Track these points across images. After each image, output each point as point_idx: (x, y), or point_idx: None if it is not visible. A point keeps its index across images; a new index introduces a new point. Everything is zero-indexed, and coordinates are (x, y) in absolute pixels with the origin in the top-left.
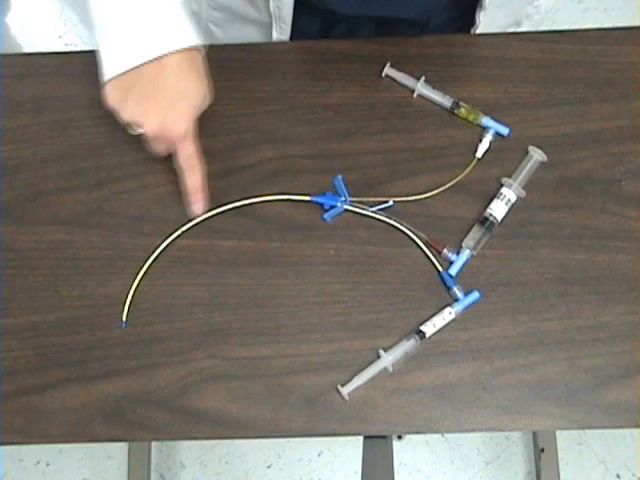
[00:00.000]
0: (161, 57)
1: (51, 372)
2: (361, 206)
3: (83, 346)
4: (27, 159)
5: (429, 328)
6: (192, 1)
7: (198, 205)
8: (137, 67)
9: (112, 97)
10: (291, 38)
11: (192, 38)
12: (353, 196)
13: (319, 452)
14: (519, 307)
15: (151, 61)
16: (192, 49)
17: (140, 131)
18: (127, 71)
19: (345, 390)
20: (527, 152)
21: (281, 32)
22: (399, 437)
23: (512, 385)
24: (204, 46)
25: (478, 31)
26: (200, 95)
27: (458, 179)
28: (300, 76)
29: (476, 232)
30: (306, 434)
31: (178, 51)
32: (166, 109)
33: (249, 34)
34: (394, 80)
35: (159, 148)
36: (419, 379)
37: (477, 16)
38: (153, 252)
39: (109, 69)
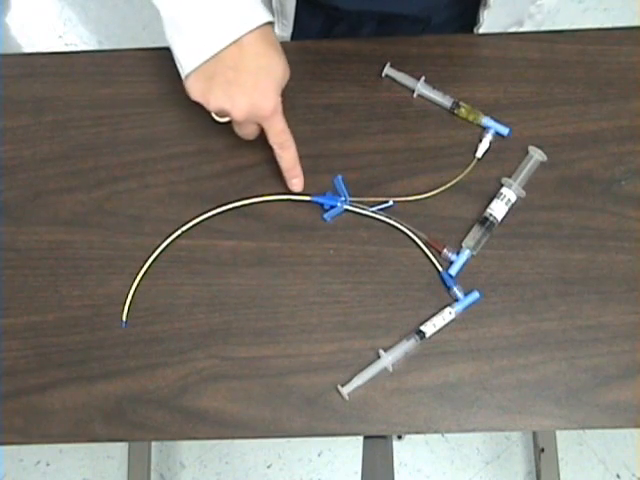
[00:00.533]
0: (238, 39)
1: (51, 372)
2: (361, 206)
3: (83, 346)
4: (27, 159)
5: (429, 328)
6: None
7: (296, 180)
8: (216, 54)
9: (196, 90)
10: (293, 35)
11: (264, 15)
12: (353, 196)
13: (319, 452)
14: (519, 307)
15: (229, 45)
16: (265, 25)
17: (226, 119)
18: (207, 60)
19: (345, 390)
20: (527, 152)
21: (283, 29)
22: (399, 437)
23: (512, 385)
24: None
25: (481, 30)
26: (282, 68)
27: (458, 179)
28: (300, 76)
29: (476, 232)
30: (306, 434)
31: (253, 30)
32: (252, 89)
33: None
34: (394, 80)
35: (249, 130)
36: (419, 379)
37: (481, 14)
38: (153, 252)
39: (188, 62)
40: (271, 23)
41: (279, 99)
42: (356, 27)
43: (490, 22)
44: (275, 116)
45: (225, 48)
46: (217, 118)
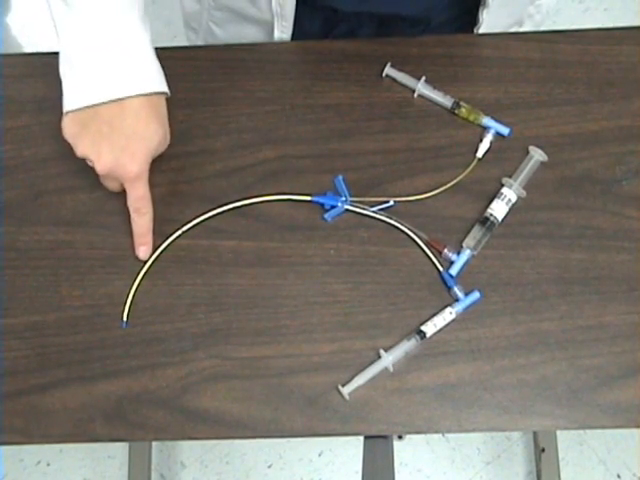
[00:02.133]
0: (122, 99)
1: (51, 372)
2: (361, 206)
3: (83, 346)
4: (28, 159)
5: (430, 328)
6: (193, 1)
7: (144, 248)
8: (96, 105)
9: (68, 130)
10: (292, 37)
11: (156, 84)
12: (353, 196)
13: (319, 452)
14: (519, 307)
15: (111, 101)
16: (156, 94)
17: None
18: (86, 107)
19: (346, 390)
20: (527, 152)
21: (283, 31)
22: (399, 437)
23: (512, 385)
24: (165, 93)
25: (481, 30)
26: (157, 139)
27: (459, 179)
28: (300, 76)
29: (477, 232)
30: (306, 434)
31: (140, 95)
32: (120, 150)
33: (250, 33)
34: (394, 80)
35: (111, 185)
36: (419, 379)
37: (480, 14)
38: (153, 252)
39: (69, 102)
40: (164, 93)
41: (146, 166)
42: (355, 29)
43: (490, 22)
44: (137, 181)
45: (106, 102)
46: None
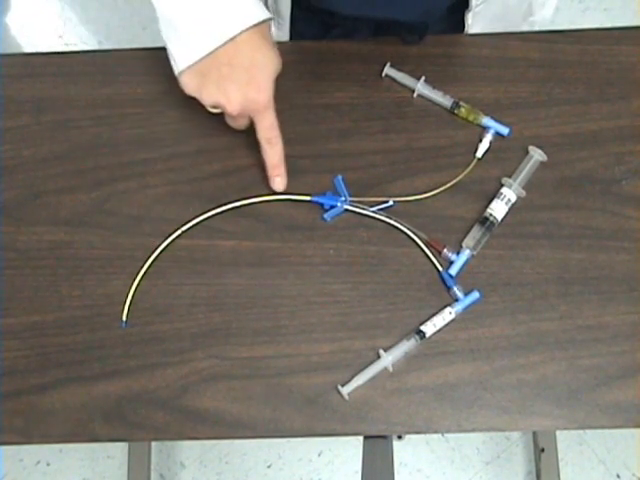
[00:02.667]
0: (233, 37)
1: (51, 372)
2: (361, 206)
3: (83, 346)
4: (27, 159)
5: (429, 328)
6: None
7: (279, 179)
8: (211, 52)
9: (190, 85)
10: (289, 39)
11: (259, 13)
12: (353, 196)
13: (319, 452)
14: (519, 307)
15: (225, 43)
16: (260, 23)
17: (219, 110)
18: (202, 58)
19: (345, 390)
20: (527, 152)
21: (279, 27)
22: (399, 437)
23: (512, 385)
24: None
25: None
26: (275, 63)
27: (458, 179)
28: (300, 76)
29: (476, 232)
30: (306, 434)
31: (249, 28)
32: (245, 85)
33: None
34: (394, 80)
35: (242, 122)
36: (419, 379)
37: (465, 18)
38: (153, 252)
39: (182, 59)
40: (267, 20)
41: (272, 93)
42: (351, 33)
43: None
44: (267, 110)
45: (220, 46)
46: (211, 109)
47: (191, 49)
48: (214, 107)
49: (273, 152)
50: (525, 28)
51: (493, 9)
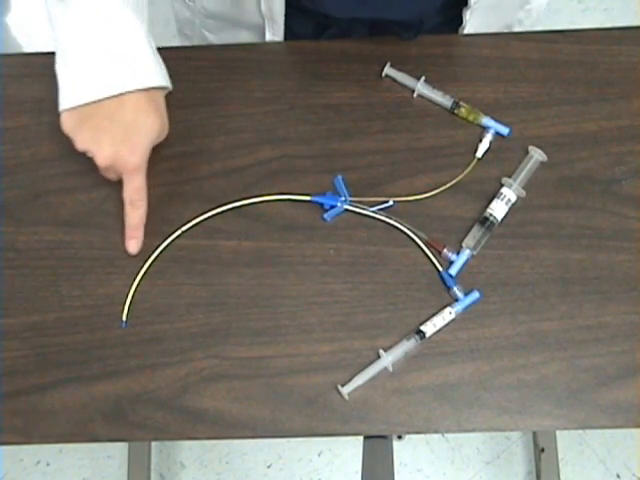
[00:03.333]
0: (121, 94)
1: (51, 372)
2: (361, 206)
3: (83, 346)
4: (27, 159)
5: (429, 328)
6: (185, 9)
7: (134, 242)
8: (95, 101)
9: (67, 125)
10: (284, 41)
11: (154, 78)
12: (353, 196)
13: (319, 452)
14: (519, 307)
15: (110, 97)
16: (153, 88)
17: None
18: (85, 103)
19: (345, 390)
20: (527, 152)
21: (274, 33)
22: (399, 437)
23: (512, 385)
24: (164, 87)
25: (467, 32)
26: (156, 130)
27: (458, 179)
28: (300, 76)
29: (476, 232)
30: (306, 434)
31: (138, 90)
32: (120, 142)
33: (243, 39)
34: (394, 80)
35: (110, 176)
36: (419, 379)
37: (464, 15)
38: (153, 252)
39: (66, 99)
40: (162, 88)
41: (146, 158)
42: (346, 33)
43: (477, 26)
44: (136, 173)
45: (105, 98)
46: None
47: (77, 92)
48: (86, 153)
49: (135, 214)
50: (522, 15)
51: (477, 4)
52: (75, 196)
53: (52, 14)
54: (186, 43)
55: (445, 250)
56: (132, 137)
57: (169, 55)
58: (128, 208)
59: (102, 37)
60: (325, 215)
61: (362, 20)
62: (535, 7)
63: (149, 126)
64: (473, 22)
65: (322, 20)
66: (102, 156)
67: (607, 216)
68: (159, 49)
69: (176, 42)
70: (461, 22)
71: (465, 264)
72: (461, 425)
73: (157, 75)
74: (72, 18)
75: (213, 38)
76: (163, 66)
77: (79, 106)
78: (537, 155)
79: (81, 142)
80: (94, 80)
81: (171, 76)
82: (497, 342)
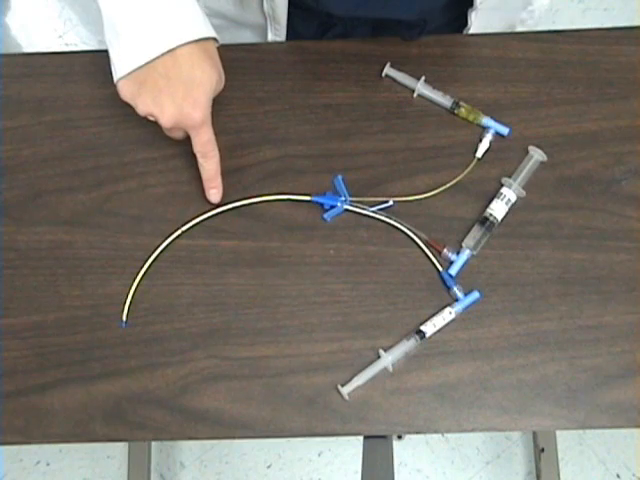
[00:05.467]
0: (172, 50)
1: (51, 372)
2: (361, 206)
3: (83, 346)
4: (27, 159)
5: (429, 328)
6: None
7: (214, 192)
8: (149, 62)
9: (126, 92)
10: (287, 40)
11: (203, 30)
12: (353, 196)
13: (319, 452)
14: (519, 307)
15: (163, 54)
16: (204, 39)
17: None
18: (139, 67)
19: (345, 390)
20: (527, 152)
21: (276, 34)
22: (399, 437)
23: (512, 385)
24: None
25: (471, 32)
26: (214, 81)
27: (458, 179)
28: (300, 76)
29: (476, 232)
30: (306, 434)
31: (189, 42)
32: (181, 99)
33: (245, 39)
34: (394, 80)
35: (176, 134)
36: (419, 379)
37: (469, 17)
38: (153, 252)
39: (121, 67)
40: (213, 39)
41: (208, 110)
42: (349, 33)
43: (480, 26)
44: (202, 127)
45: (158, 57)
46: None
47: (130, 56)
48: (148, 117)
49: (209, 166)
50: (524, 16)
51: (483, 5)
52: (75, 196)
53: None
54: None
55: (445, 250)
56: (192, 92)
57: None
58: (201, 161)
59: (146, 1)
60: (325, 215)
61: (365, 20)
62: (537, 7)
63: (207, 78)
64: (477, 23)
65: (325, 19)
66: (165, 117)
67: (607, 216)
68: None
69: None
70: (465, 23)
71: (465, 264)
72: (461, 425)
73: (206, 26)
74: None
75: None
76: (207, 19)
77: (134, 70)
78: (537, 155)
79: (143, 106)
80: (145, 41)
81: None
82: (497, 342)
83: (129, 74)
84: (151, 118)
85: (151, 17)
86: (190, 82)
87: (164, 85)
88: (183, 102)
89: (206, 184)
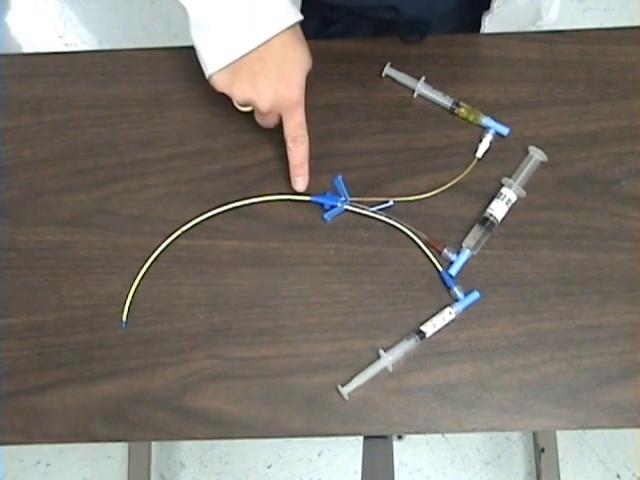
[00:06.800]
0: (267, 40)
1: (51, 372)
2: (361, 206)
3: (83, 346)
4: (27, 159)
5: (429, 328)
6: None
7: (300, 179)
8: (245, 54)
9: (221, 84)
10: None
11: (292, 16)
12: (353, 196)
13: (319, 452)
14: (519, 307)
15: (258, 46)
16: (293, 25)
17: (249, 108)
18: (234, 60)
19: (345, 390)
20: (527, 152)
21: None
22: (399, 437)
23: (512, 385)
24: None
25: None
26: (306, 61)
27: (458, 179)
28: None
29: (476, 232)
30: (306, 434)
31: (282, 31)
32: (277, 81)
33: None
34: (394, 80)
35: (272, 120)
36: (419, 379)
37: (483, 21)
38: (153, 252)
39: (215, 62)
40: (299, 22)
41: (303, 92)
42: (351, 30)
43: None
44: (297, 108)
45: (254, 49)
46: (240, 108)
47: (225, 51)
48: (245, 105)
49: (298, 151)
50: (532, 30)
51: (504, 13)
52: (75, 196)
53: None
54: (188, 42)
55: (445, 250)
56: (287, 73)
57: (170, 55)
58: (290, 145)
59: None
60: (325, 215)
61: (367, 17)
62: (546, 22)
63: (299, 59)
64: (489, 25)
65: (327, 14)
66: (263, 100)
67: (607, 216)
68: (160, 49)
69: (176, 42)
70: (472, 29)
71: (465, 264)
72: (461, 425)
73: (293, 12)
74: None
75: None
76: (291, 1)
77: (229, 64)
78: (537, 155)
79: (240, 94)
80: (240, 34)
81: (172, 76)
82: (497, 342)
83: (224, 67)
84: (243, 109)
85: (241, 11)
86: (284, 63)
87: (259, 68)
88: (279, 83)
89: (293, 170)
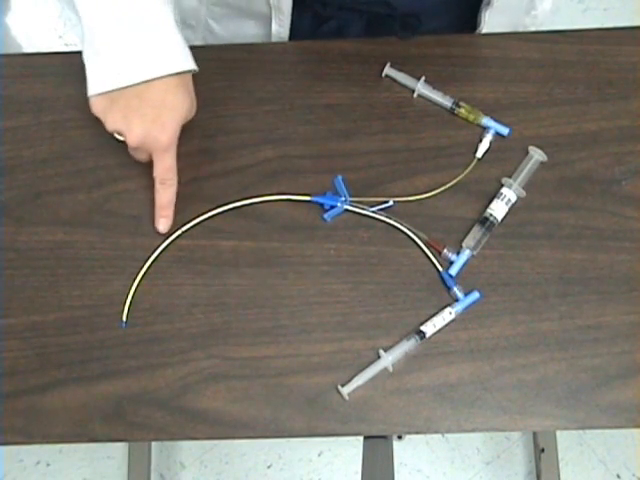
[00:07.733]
0: (151, 80)
1: (51, 372)
2: (361, 206)
3: (83, 346)
4: (27, 159)
5: (429, 328)
6: None
7: (164, 220)
8: (126, 86)
9: (98, 107)
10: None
11: (183, 63)
12: (353, 196)
13: (319, 452)
14: (519, 307)
15: (140, 82)
16: (182, 72)
17: (124, 139)
18: (114, 89)
19: (345, 390)
20: (527, 152)
21: (280, 24)
22: (399, 437)
23: (512, 385)
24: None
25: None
26: (185, 108)
27: (458, 179)
28: (300, 76)
29: (476, 232)
30: (306, 434)
31: (168, 75)
32: (150, 121)
33: (248, 29)
34: (394, 80)
35: (140, 156)
36: (419, 379)
37: (483, 15)
38: (153, 252)
39: (97, 85)
40: (190, 71)
41: (176, 136)
42: (344, 27)
43: (486, 29)
44: (167, 152)
45: (136, 84)
46: (116, 135)
47: (107, 78)
48: (117, 134)
49: (165, 194)
50: (527, 21)
51: (499, 2)
52: (75, 196)
53: (77, 2)
54: (190, 36)
55: (445, 250)
56: (162, 116)
57: None
58: (158, 187)
59: (128, 22)
60: (325, 215)
61: (359, 12)
62: (540, 12)
63: (178, 105)
64: (489, 20)
65: (320, 11)
66: (133, 136)
67: (607, 216)
68: None
69: None
70: (468, 28)
71: (465, 264)
72: (461, 425)
73: (185, 60)
74: (98, 3)
75: (218, 28)
76: (188, 49)
77: (109, 91)
78: (537, 155)
79: (112, 123)
80: (124, 67)
81: None
82: (497, 342)
83: (103, 93)
84: (118, 137)
85: (132, 43)
86: (161, 106)
87: (136, 105)
88: (152, 124)
89: (157, 211)
